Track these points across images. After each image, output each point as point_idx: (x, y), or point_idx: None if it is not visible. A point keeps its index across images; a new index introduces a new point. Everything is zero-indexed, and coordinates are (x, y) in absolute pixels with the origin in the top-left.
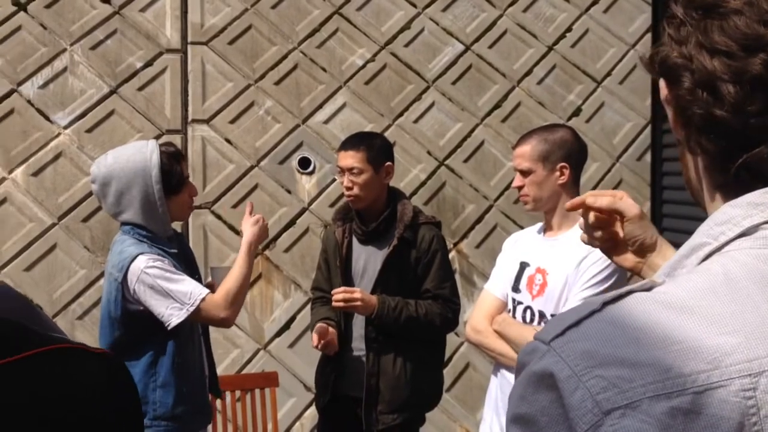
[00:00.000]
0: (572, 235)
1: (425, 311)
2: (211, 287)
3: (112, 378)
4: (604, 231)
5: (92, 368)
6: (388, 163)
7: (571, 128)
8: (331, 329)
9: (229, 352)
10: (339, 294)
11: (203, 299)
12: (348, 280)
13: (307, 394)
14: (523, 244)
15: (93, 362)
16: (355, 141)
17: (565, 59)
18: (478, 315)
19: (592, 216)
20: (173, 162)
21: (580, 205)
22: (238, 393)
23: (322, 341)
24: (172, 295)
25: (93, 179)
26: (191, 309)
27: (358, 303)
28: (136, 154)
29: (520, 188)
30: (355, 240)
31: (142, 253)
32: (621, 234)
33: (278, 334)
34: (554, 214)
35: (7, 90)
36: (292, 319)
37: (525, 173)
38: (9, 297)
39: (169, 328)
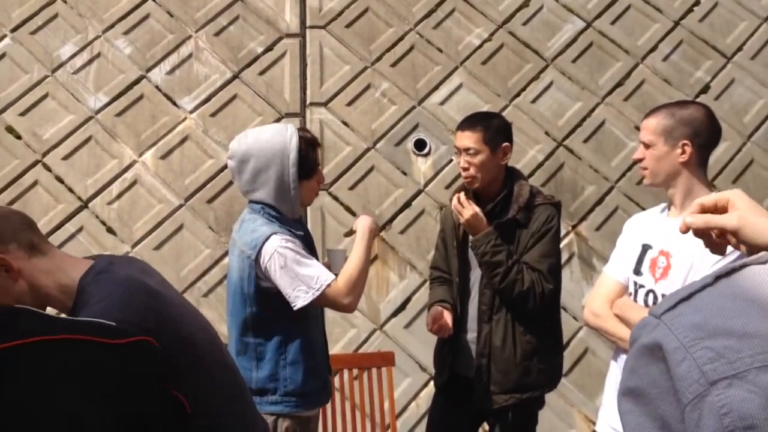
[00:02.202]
0: None
1: (516, 270)
2: (327, 268)
3: (112, 366)
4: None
5: (89, 358)
6: (506, 143)
7: (706, 107)
8: (446, 312)
9: (346, 332)
10: (459, 204)
11: (329, 285)
12: (464, 261)
13: (423, 374)
14: (646, 226)
15: (101, 351)
16: (473, 121)
17: (693, 34)
18: (597, 298)
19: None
20: (309, 148)
21: (688, 230)
22: (355, 372)
23: (437, 324)
24: (300, 278)
25: (231, 155)
26: (317, 293)
27: (470, 215)
28: (276, 136)
29: (640, 160)
30: None
31: (275, 233)
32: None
33: (394, 314)
34: (676, 192)
35: (137, 76)
36: (408, 299)
37: (647, 146)
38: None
39: (294, 308)
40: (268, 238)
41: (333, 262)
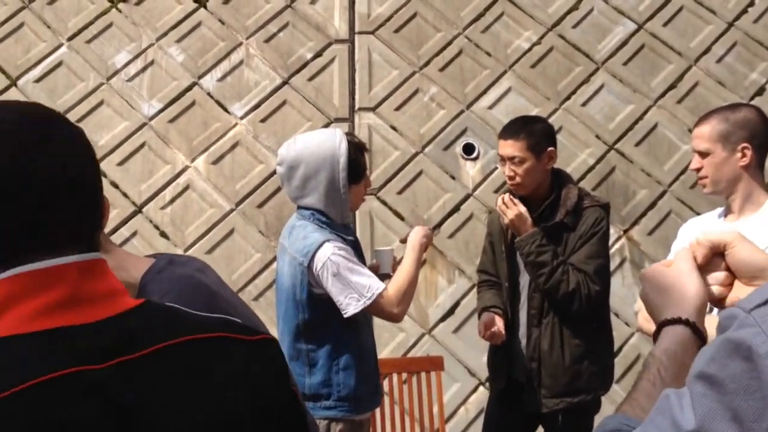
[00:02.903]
0: (757, 219)
1: (562, 270)
2: (375, 269)
3: (265, 365)
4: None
5: (243, 355)
6: (551, 148)
7: (757, 108)
8: (497, 318)
9: (394, 336)
10: (503, 205)
11: (380, 294)
12: (513, 265)
13: (472, 379)
14: (702, 231)
15: (246, 349)
16: (515, 129)
17: (747, 36)
18: None
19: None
20: (358, 153)
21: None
22: (404, 376)
23: (489, 331)
24: (352, 286)
25: (280, 161)
26: (368, 302)
27: (514, 215)
28: (326, 142)
29: (698, 170)
30: None
31: (328, 240)
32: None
33: (443, 319)
34: (736, 197)
35: (189, 83)
36: (457, 304)
37: (703, 154)
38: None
39: (345, 316)
40: (320, 245)
41: (381, 261)
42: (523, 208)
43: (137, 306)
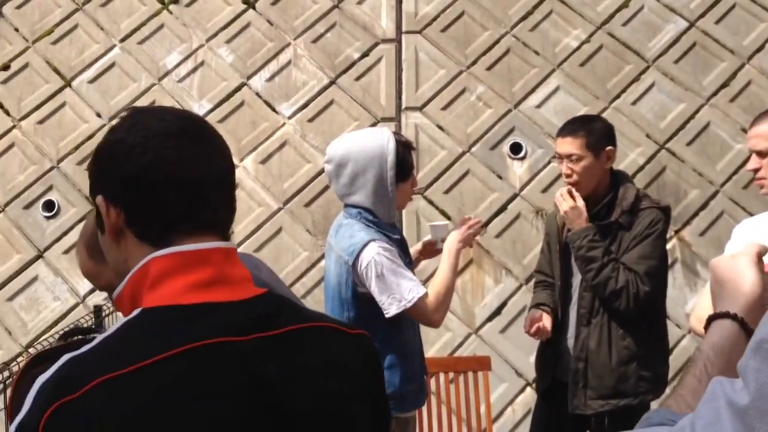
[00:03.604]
0: None
1: (612, 267)
2: (432, 245)
3: (364, 355)
4: None
5: (347, 344)
6: (609, 147)
7: None
8: (545, 315)
9: (441, 335)
10: (560, 196)
11: (420, 298)
12: (567, 265)
13: (519, 380)
14: (757, 231)
15: (348, 339)
16: (574, 126)
17: None
18: (704, 305)
19: None
20: (405, 151)
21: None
22: (451, 375)
23: (534, 326)
24: (394, 287)
25: (329, 159)
26: (408, 305)
27: (568, 207)
28: (374, 140)
29: (755, 171)
30: None
31: (373, 240)
32: None
33: (489, 319)
34: None
35: (238, 83)
36: (504, 304)
37: (762, 154)
38: (267, 268)
39: (387, 316)
40: (366, 244)
41: (437, 236)
42: (580, 202)
43: (265, 293)
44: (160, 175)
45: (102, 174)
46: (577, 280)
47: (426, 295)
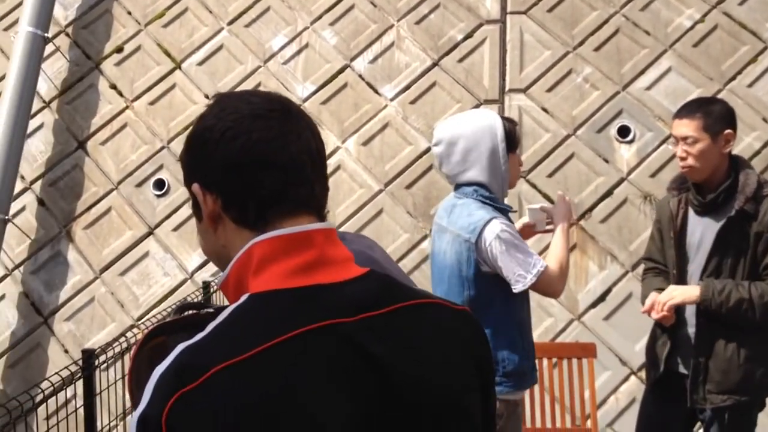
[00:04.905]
0: None
1: (761, 293)
2: (530, 227)
3: (472, 330)
4: None
5: (455, 321)
6: (728, 130)
7: None
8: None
9: (542, 320)
10: (653, 311)
11: (544, 270)
12: (682, 253)
13: (623, 368)
14: None
15: (455, 315)
16: (692, 108)
17: None
18: None
19: None
20: (511, 125)
21: None
22: (554, 360)
23: (661, 314)
24: (519, 262)
25: (437, 141)
26: (534, 279)
27: (673, 301)
28: (481, 117)
29: None
30: (691, 211)
31: (495, 218)
32: None
33: (593, 305)
34: None
35: (342, 65)
36: (608, 291)
37: None
38: (379, 248)
39: (515, 291)
40: (488, 222)
41: (536, 219)
42: (674, 303)
43: (367, 272)
44: (253, 156)
45: (195, 161)
46: (692, 267)
47: (548, 267)
